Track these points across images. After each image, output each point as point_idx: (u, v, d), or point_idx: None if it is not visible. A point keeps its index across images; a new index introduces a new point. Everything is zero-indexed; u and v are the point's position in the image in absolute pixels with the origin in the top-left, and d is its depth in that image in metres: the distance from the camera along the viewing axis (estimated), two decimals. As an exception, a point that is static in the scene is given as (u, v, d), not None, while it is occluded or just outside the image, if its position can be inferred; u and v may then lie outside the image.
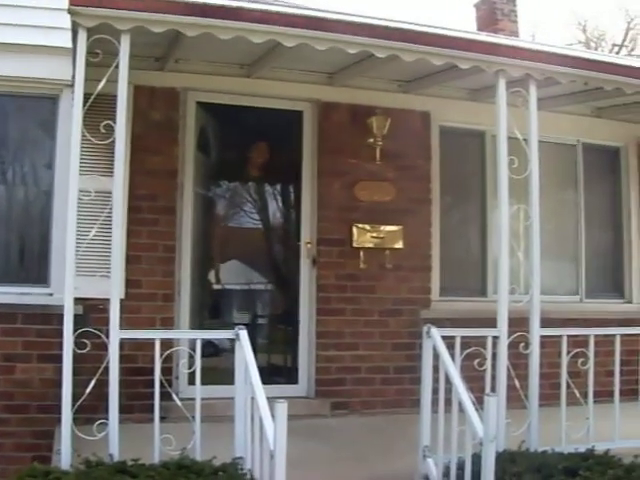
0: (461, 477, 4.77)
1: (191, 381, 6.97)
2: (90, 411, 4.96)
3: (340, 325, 7.27)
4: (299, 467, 5.46)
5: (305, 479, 5.23)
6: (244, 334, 4.96)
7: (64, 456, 4.70)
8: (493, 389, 5.42)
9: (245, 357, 4.85)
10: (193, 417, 5.14)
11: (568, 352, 5.75)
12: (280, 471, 4.13)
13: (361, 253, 7.33)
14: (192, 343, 5.23)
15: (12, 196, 6.97)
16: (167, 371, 6.85)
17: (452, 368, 5.02)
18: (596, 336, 5.88)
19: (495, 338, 5.47)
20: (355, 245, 7.31)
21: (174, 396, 5.30)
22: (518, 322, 5.57)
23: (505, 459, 4.96)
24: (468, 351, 5.37)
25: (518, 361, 5.53)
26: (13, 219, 6.98)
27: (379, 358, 7.24)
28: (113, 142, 4.94)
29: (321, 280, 7.31)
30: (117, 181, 4.94)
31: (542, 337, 5.61)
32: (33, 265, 6.91)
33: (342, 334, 7.27)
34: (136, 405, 6.32)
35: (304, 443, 6.12)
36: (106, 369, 4.99)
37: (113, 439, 4.81)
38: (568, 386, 5.68)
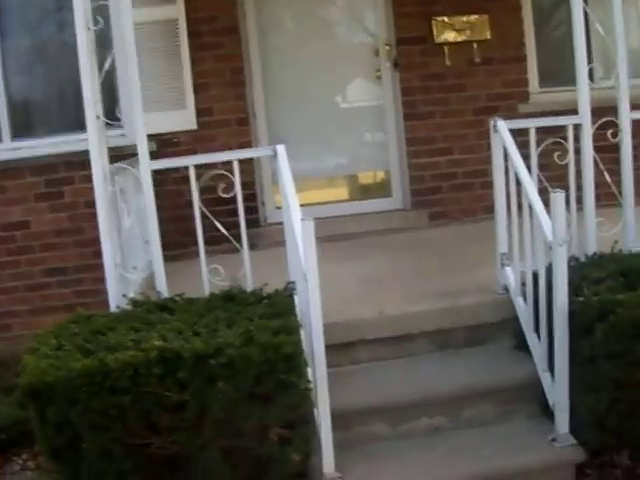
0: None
1: (279, 205, 6.54)
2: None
3: (430, 129, 6.44)
4: (380, 281, 4.98)
5: (381, 293, 4.72)
6: (281, 149, 4.29)
7: (111, 298, 4.29)
8: (579, 187, 4.54)
9: (281, 172, 4.19)
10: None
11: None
12: (314, 294, 3.54)
13: (445, 49, 6.35)
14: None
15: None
16: (251, 197, 6.39)
17: (521, 165, 4.16)
18: None
19: (577, 127, 4.51)
20: (437, 41, 6.34)
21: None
22: (606, 111, 4.58)
23: (589, 264, 4.16)
24: (547, 143, 4.48)
25: (607, 155, 4.56)
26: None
27: (477, 161, 6.32)
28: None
29: (404, 83, 6.44)
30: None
31: (634, 123, 4.57)
32: (105, 107, 6.42)
33: (434, 139, 6.45)
34: (222, 236, 5.89)
35: (393, 257, 5.57)
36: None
37: (160, 276, 4.36)
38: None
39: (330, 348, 4.17)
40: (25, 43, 6.35)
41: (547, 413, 3.93)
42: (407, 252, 5.65)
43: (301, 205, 6.45)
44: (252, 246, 6.20)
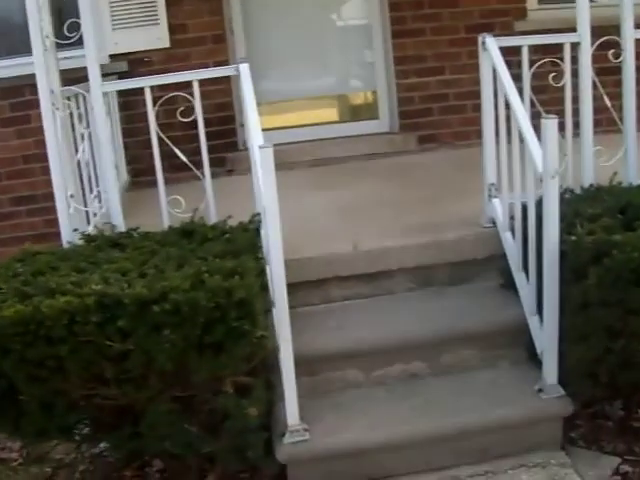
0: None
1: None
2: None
3: (420, 47, 5.86)
4: (359, 211, 4.56)
5: (359, 225, 4.26)
6: (245, 68, 3.77)
7: (62, 232, 3.83)
8: (576, 113, 4.02)
9: (244, 93, 3.69)
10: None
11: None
12: (273, 230, 3.10)
13: (436, -40, 5.74)
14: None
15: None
16: (229, 120, 5.90)
17: (510, 87, 3.65)
18: None
19: (575, 45, 3.98)
20: (428, -50, 5.72)
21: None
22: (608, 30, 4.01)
23: (584, 197, 3.69)
24: (541, 63, 3.96)
25: (607, 78, 4.02)
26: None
27: (469, 82, 5.72)
28: None
29: (393, -3, 5.84)
30: None
31: (637, 43, 4.03)
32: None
33: (423, 58, 5.88)
34: (199, 160, 5.41)
35: (376, 184, 5.12)
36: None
37: (114, 208, 3.91)
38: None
39: (302, 286, 3.83)
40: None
41: (534, 360, 3.52)
42: (391, 179, 5.16)
43: (282, 128, 6.05)
44: (230, 171, 5.79)
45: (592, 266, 3.08)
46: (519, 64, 3.93)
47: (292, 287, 3.73)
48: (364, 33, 6.04)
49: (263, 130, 5.97)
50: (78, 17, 3.76)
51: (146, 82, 3.88)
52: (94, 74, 3.75)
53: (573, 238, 3.20)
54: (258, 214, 3.67)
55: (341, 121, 6.18)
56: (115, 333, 2.91)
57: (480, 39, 3.88)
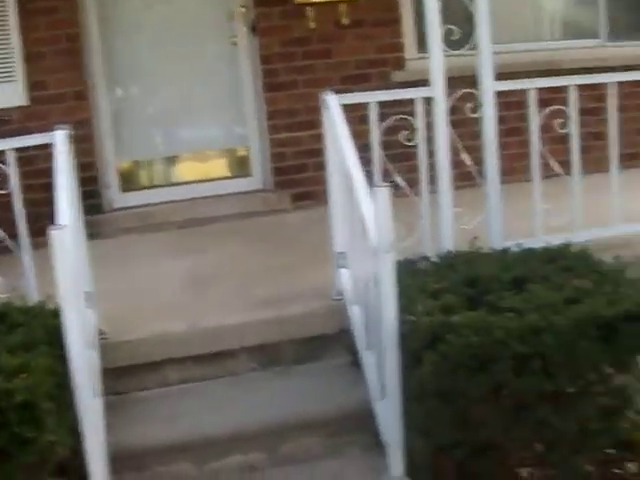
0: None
1: (126, 188, 5.68)
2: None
3: (292, 101, 5.52)
4: (206, 283, 4.18)
5: (201, 299, 3.93)
6: (60, 136, 3.40)
7: None
8: (432, 167, 3.75)
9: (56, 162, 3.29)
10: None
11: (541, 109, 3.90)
12: (70, 321, 2.73)
13: (308, 10, 5.40)
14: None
15: None
16: (92, 181, 5.44)
17: (348, 151, 3.35)
18: (581, 87, 3.95)
19: (428, 100, 3.71)
20: (298, 0, 5.41)
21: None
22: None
23: (436, 269, 3.36)
24: (389, 121, 3.71)
25: (468, 129, 3.77)
26: None
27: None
28: None
29: (264, 50, 5.49)
30: None
31: (500, 95, 3.80)
32: None
33: (295, 111, 5.52)
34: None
35: (235, 249, 4.77)
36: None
37: None
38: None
39: (135, 369, 3.51)
40: None
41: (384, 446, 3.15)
42: (255, 243, 4.79)
43: (154, 187, 5.67)
44: (93, 235, 5.32)
45: (428, 352, 2.75)
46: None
47: (124, 371, 3.46)
48: (235, 87, 5.66)
49: (133, 190, 5.61)
50: None
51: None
52: None
53: (412, 318, 2.88)
54: (87, 292, 3.31)
55: (214, 179, 5.76)
56: None
57: (321, 98, 3.58)
